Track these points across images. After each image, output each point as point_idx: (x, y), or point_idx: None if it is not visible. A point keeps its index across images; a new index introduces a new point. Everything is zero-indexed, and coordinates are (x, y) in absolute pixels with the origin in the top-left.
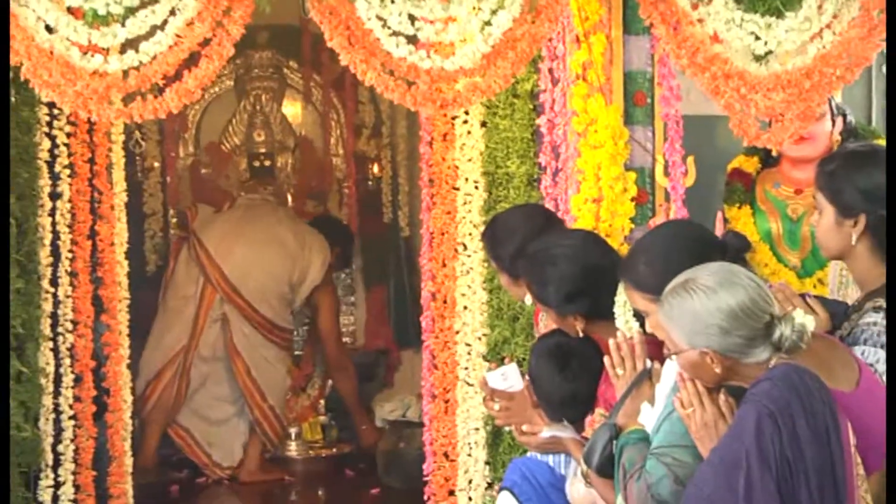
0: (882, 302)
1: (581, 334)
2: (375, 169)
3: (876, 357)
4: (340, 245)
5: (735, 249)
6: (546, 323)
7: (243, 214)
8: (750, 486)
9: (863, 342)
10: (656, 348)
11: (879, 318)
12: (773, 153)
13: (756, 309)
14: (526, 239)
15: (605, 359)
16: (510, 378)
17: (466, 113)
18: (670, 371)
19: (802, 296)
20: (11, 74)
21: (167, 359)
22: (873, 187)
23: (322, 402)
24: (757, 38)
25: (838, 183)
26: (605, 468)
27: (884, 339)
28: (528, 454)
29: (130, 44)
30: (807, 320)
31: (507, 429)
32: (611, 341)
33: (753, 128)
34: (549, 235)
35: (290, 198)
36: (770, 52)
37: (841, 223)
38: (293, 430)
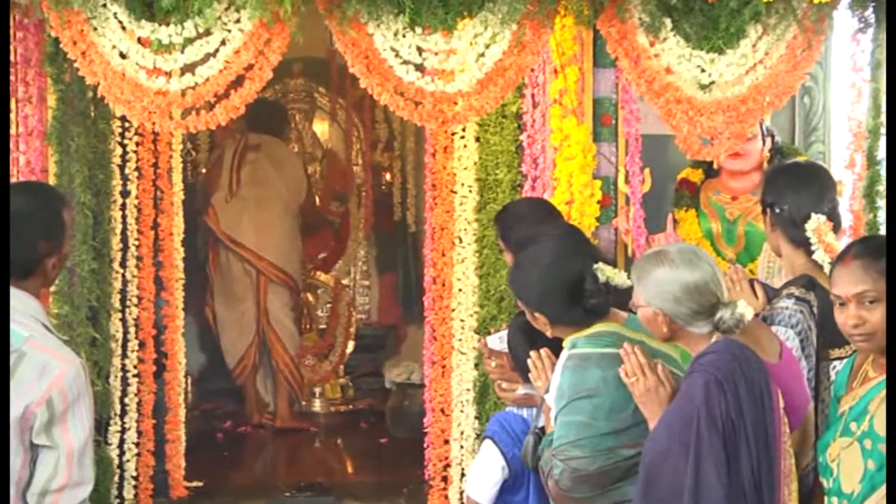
0: (794, 290)
1: None
2: (388, 176)
3: (786, 336)
4: (279, 118)
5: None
6: None
7: (250, 196)
8: (699, 442)
9: (777, 323)
10: None
11: (791, 304)
12: (714, 166)
13: (706, 290)
14: (531, 225)
15: (530, 374)
16: (505, 341)
17: (463, 129)
18: (556, 372)
19: (751, 281)
20: (91, 93)
21: (249, 340)
22: (779, 187)
23: (342, 367)
24: (703, 70)
25: (764, 187)
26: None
27: (793, 320)
28: (507, 408)
29: (188, 68)
30: (747, 310)
31: (491, 389)
32: (528, 361)
33: (696, 144)
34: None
35: (317, 199)
36: (713, 83)
37: (765, 221)
38: (317, 390)
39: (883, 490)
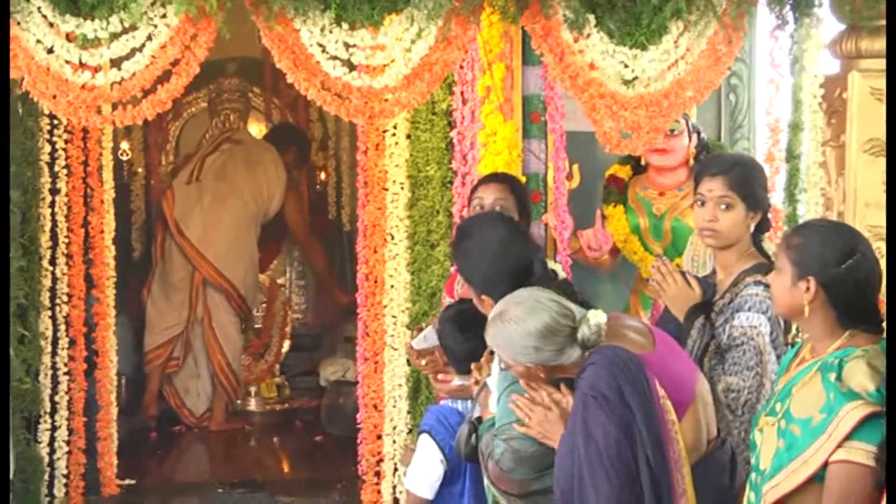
0: (759, 277)
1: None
2: (323, 175)
3: (758, 321)
4: (295, 145)
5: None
6: (462, 290)
7: (209, 187)
8: (580, 466)
9: (748, 309)
10: None
11: (760, 290)
12: (642, 162)
13: (558, 326)
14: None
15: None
16: (430, 339)
17: (395, 127)
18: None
19: (683, 273)
20: (18, 89)
21: (172, 335)
22: (761, 176)
23: (277, 366)
24: (626, 66)
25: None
26: (472, 456)
27: (764, 306)
28: (441, 402)
29: (115, 63)
30: (599, 316)
31: (423, 384)
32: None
33: (615, 138)
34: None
35: None
36: (636, 78)
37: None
38: (253, 389)
39: (788, 469)
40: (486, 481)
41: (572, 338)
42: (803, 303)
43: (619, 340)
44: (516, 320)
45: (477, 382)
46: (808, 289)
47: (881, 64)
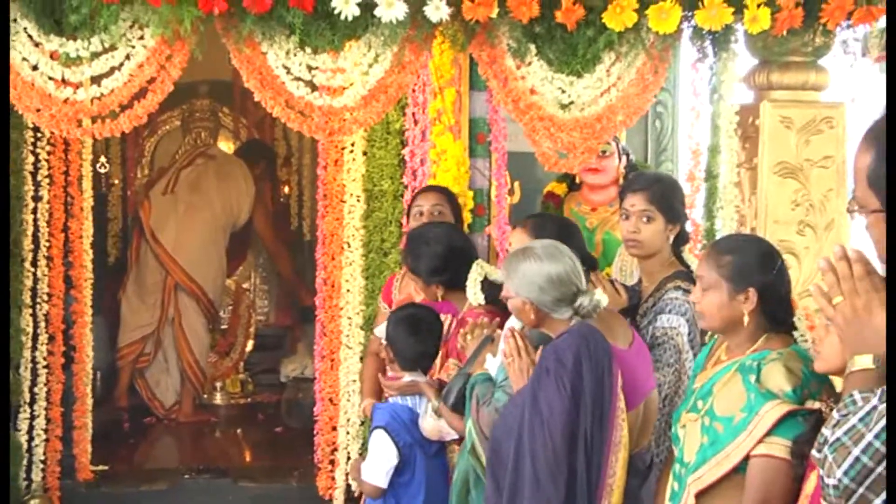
0: (679, 283)
1: (440, 300)
2: (286, 189)
3: (678, 323)
4: (264, 159)
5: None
6: (400, 288)
7: (183, 198)
8: (521, 426)
9: (668, 311)
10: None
11: (680, 294)
12: (577, 181)
13: (567, 280)
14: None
15: (462, 331)
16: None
17: (352, 144)
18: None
19: (611, 281)
20: None
21: (144, 333)
22: (681, 194)
23: (241, 363)
24: (563, 91)
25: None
26: (459, 405)
27: (683, 309)
28: (390, 400)
29: (95, 80)
30: (602, 297)
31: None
32: (469, 322)
33: (553, 158)
34: (426, 224)
35: None
36: (572, 103)
37: (650, 221)
38: (218, 384)
39: (711, 463)
40: (469, 425)
41: (572, 299)
42: (742, 313)
43: (603, 327)
44: (535, 258)
45: (463, 349)
46: (747, 299)
47: (789, 95)
